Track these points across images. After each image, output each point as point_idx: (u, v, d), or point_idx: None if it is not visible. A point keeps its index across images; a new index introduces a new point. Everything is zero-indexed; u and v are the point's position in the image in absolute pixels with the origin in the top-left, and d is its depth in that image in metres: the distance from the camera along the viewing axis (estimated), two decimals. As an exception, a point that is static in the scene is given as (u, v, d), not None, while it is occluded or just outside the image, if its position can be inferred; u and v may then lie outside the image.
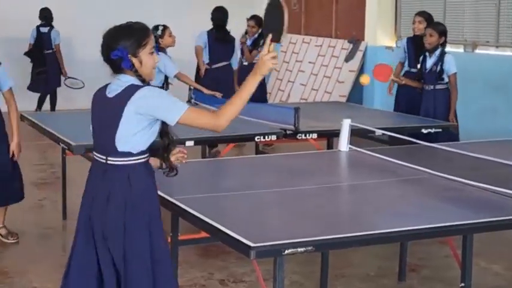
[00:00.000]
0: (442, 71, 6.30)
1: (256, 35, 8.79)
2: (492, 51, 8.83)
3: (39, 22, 10.73)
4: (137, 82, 2.99)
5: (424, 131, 5.70)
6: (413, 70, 6.99)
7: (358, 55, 10.58)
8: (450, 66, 6.30)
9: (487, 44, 8.88)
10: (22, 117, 6.03)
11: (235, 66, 8.45)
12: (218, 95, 6.78)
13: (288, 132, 5.36)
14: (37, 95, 10.86)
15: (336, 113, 6.33)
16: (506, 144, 5.27)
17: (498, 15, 8.66)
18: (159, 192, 3.18)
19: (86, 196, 3.12)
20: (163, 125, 3.01)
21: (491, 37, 8.79)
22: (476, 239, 3.80)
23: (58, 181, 6.23)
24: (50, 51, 10.73)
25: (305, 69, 11.52)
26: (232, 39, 8.44)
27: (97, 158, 3.07)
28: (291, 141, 5.67)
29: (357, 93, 10.41)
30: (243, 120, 5.81)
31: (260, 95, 8.53)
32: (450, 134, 6.01)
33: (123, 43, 2.95)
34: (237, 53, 8.54)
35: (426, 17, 7.14)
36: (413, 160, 4.17)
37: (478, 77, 8.55)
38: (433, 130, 5.73)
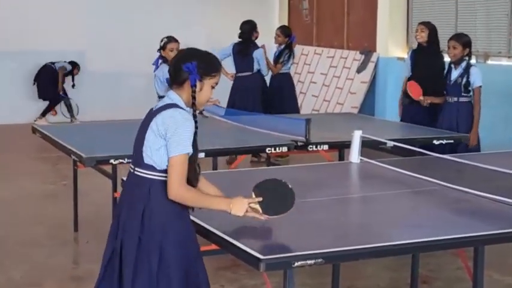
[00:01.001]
0: (468, 83, 6.24)
1: (282, 46, 8.96)
2: (504, 62, 8.79)
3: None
4: (182, 103, 3.04)
5: (435, 142, 5.67)
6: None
7: (370, 66, 10.57)
8: (476, 78, 6.23)
9: (499, 55, 8.85)
10: (33, 130, 6.07)
11: (265, 73, 8.71)
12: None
13: (299, 143, 5.35)
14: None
15: (347, 124, 6.31)
16: (519, 155, 5.25)
17: (510, 25, 8.63)
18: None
19: (118, 205, 3.24)
20: (194, 155, 3.03)
21: (503, 48, 8.76)
22: (489, 251, 3.77)
23: (69, 193, 6.25)
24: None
25: (317, 80, 11.52)
26: (249, 53, 8.62)
27: (130, 169, 3.16)
28: (302, 152, 5.66)
29: (369, 105, 10.39)
30: (254, 132, 5.84)
31: (294, 107, 8.71)
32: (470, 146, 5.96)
33: (198, 62, 3.03)
34: (262, 62, 8.66)
35: (429, 27, 7.11)
36: (424, 172, 4.16)
37: (490, 87, 8.47)
38: (444, 141, 5.70)
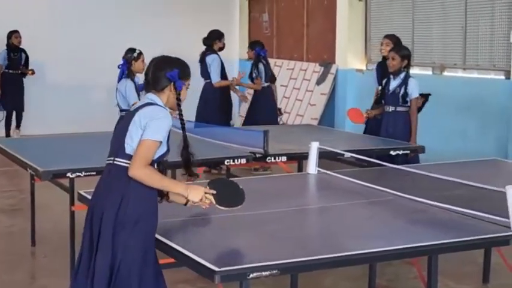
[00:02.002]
0: (406, 94, 6.35)
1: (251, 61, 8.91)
2: (460, 74, 8.97)
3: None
4: (161, 103, 3.31)
5: (392, 153, 5.75)
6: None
7: (330, 78, 10.67)
8: (413, 90, 6.35)
9: (454, 67, 9.02)
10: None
11: (212, 81, 8.66)
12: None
13: (257, 155, 5.38)
14: None
15: (306, 135, 6.36)
16: (473, 165, 5.35)
17: (465, 38, 8.80)
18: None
19: (92, 198, 3.36)
20: (185, 140, 3.37)
21: (459, 60, 8.93)
22: (445, 259, 3.84)
23: (27, 207, 6.17)
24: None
25: (277, 92, 11.56)
26: (204, 59, 8.72)
27: (107, 162, 3.30)
28: (260, 164, 5.68)
29: (328, 116, 10.49)
30: (212, 144, 5.85)
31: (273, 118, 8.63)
32: (407, 157, 6.02)
33: (179, 70, 3.39)
34: (212, 69, 8.67)
35: (394, 40, 7.23)
36: (381, 182, 4.21)
37: (446, 99, 8.66)
38: (401, 152, 5.78)
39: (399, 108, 6.40)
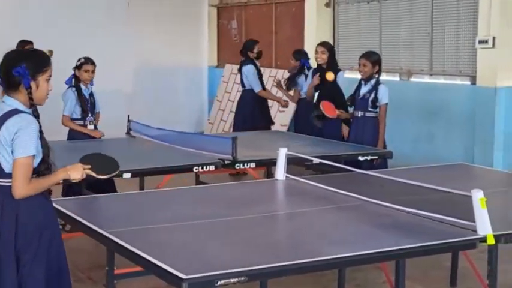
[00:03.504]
0: (375, 99, 6.40)
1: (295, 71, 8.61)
2: (427, 79, 9.06)
3: None
4: (21, 106, 3.18)
5: (360, 158, 5.78)
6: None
7: (298, 85, 10.68)
8: (383, 96, 6.41)
9: (421, 72, 9.11)
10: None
11: (255, 90, 8.69)
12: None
13: (226, 162, 5.37)
14: None
15: (275, 142, 6.37)
16: (440, 169, 5.39)
17: (431, 44, 8.90)
18: (92, 225, 3.16)
19: None
20: (44, 152, 3.22)
21: (425, 65, 9.03)
22: (413, 264, 3.86)
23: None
24: None
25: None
26: (241, 68, 8.87)
27: None
28: (229, 171, 5.68)
29: (297, 122, 10.50)
30: (180, 151, 5.83)
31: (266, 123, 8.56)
32: (373, 162, 6.05)
33: (26, 64, 3.17)
34: (250, 78, 8.73)
35: (328, 47, 7.51)
36: (348, 187, 4.22)
37: (413, 104, 8.75)
38: (369, 157, 5.82)
39: (368, 114, 6.45)
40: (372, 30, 9.76)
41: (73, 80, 6.66)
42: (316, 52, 7.51)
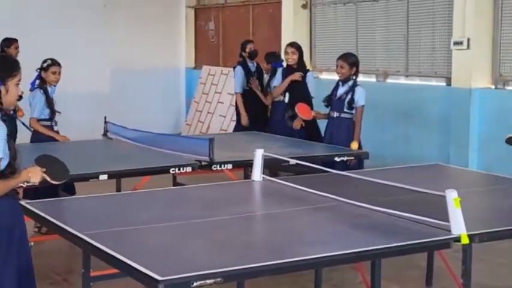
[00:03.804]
0: (352, 100, 6.43)
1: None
2: (402, 81, 9.13)
3: None
4: None
5: (337, 159, 5.81)
6: (284, 99, 7.59)
7: (276, 86, 10.69)
8: (360, 98, 6.44)
9: (397, 74, 9.18)
10: None
11: (235, 91, 8.70)
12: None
13: (203, 163, 5.37)
14: None
15: (253, 143, 6.37)
16: (415, 170, 5.44)
17: (407, 46, 8.97)
18: (67, 227, 3.15)
19: None
20: (11, 155, 3.28)
21: (401, 67, 9.09)
22: (389, 264, 3.89)
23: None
24: None
25: (224, 100, 11.59)
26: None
27: None
28: (206, 172, 5.68)
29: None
30: (157, 152, 5.82)
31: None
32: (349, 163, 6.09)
33: None
34: (235, 81, 8.71)
35: (297, 47, 7.60)
36: (324, 188, 4.24)
37: (389, 105, 8.82)
38: (345, 158, 5.85)
39: (343, 115, 6.48)
40: (349, 31, 9.82)
41: (38, 81, 6.64)
42: (287, 53, 7.61)
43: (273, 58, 8.63)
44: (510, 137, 5.47)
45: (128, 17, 12.24)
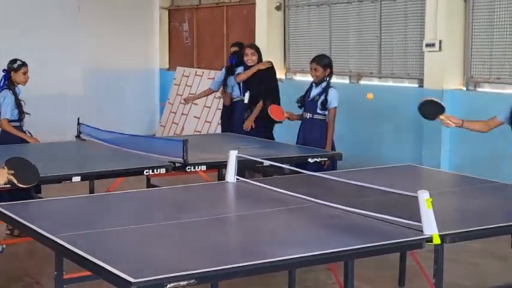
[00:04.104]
0: (325, 101, 6.46)
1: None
2: (376, 82, 9.19)
3: None
4: None
5: (310, 160, 5.83)
6: (243, 98, 7.70)
7: (250, 87, 10.71)
8: (333, 99, 6.47)
9: (370, 75, 9.24)
10: None
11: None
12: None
13: (177, 164, 5.36)
14: None
15: (227, 144, 6.38)
16: (388, 171, 5.48)
17: (380, 48, 9.04)
18: (40, 230, 3.12)
19: None
20: None
21: (374, 68, 9.16)
22: (363, 265, 3.91)
23: None
24: None
25: (198, 101, 11.56)
26: None
27: None
28: (180, 174, 5.66)
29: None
30: (131, 154, 5.79)
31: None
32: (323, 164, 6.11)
33: None
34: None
35: (256, 48, 7.77)
36: (299, 189, 4.26)
37: (363, 107, 8.86)
38: (319, 159, 5.87)
39: (316, 116, 6.51)
40: (322, 33, 9.86)
41: (6, 82, 6.59)
42: (246, 54, 7.70)
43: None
44: (424, 103, 5.28)
45: (101, 18, 12.17)
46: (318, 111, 6.48)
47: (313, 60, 6.63)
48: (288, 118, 6.88)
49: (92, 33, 11.99)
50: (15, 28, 11.29)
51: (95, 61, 12.13)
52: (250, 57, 7.66)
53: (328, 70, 6.56)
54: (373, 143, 8.85)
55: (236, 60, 8.23)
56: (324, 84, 6.54)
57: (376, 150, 8.74)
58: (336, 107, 6.48)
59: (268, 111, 6.92)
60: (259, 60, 7.75)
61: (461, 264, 5.66)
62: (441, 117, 5.16)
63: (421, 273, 4.88)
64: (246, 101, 7.67)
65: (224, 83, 8.35)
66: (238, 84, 7.94)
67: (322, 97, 6.46)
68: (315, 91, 6.57)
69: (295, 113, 6.84)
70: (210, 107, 11.32)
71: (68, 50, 11.71)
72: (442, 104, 5.23)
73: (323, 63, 6.56)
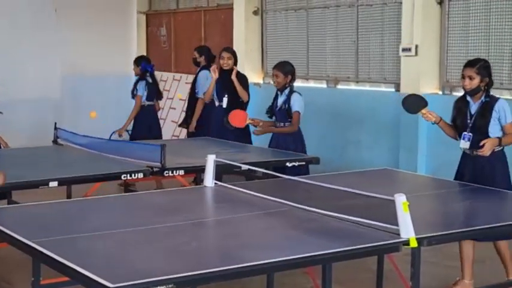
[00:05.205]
0: (289, 108, 6.46)
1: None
2: (353, 87, 9.24)
3: None
4: None
5: (288, 164, 5.85)
6: (221, 104, 7.69)
7: (228, 91, 10.71)
8: (295, 104, 6.44)
9: (348, 80, 9.29)
10: None
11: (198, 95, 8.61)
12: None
13: (154, 169, 5.35)
14: None
15: (205, 149, 6.38)
16: (366, 174, 5.52)
17: (357, 52, 9.09)
18: (16, 235, 3.10)
19: None
20: None
21: (352, 73, 9.21)
22: (341, 268, 3.93)
23: None
24: None
25: (176, 106, 11.56)
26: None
27: None
28: (158, 178, 5.66)
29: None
30: (108, 159, 5.78)
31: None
32: (299, 169, 6.12)
33: None
34: (199, 83, 8.58)
35: (232, 51, 7.84)
36: (276, 193, 4.28)
37: (340, 111, 8.91)
38: (297, 163, 5.89)
39: (288, 124, 6.49)
40: (300, 38, 9.90)
41: None
42: (222, 58, 7.72)
43: (143, 60, 8.72)
44: (408, 97, 5.35)
45: (79, 22, 12.10)
46: (289, 119, 6.46)
47: (274, 67, 6.66)
48: (252, 124, 6.82)
49: (69, 36, 11.92)
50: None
51: (72, 65, 12.06)
52: (226, 61, 7.66)
53: (290, 76, 6.55)
54: (350, 147, 8.90)
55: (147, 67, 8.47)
56: (287, 91, 6.53)
57: (353, 154, 8.78)
58: (298, 111, 6.44)
59: (228, 117, 6.85)
60: (235, 64, 7.76)
61: (438, 267, 5.70)
62: (423, 111, 5.23)
63: (398, 277, 4.92)
64: (224, 105, 7.66)
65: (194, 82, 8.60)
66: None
67: (287, 105, 6.46)
68: (280, 99, 6.56)
69: (263, 120, 6.75)
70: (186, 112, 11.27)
71: (45, 53, 11.63)
72: (425, 99, 5.31)
73: (284, 70, 6.55)
